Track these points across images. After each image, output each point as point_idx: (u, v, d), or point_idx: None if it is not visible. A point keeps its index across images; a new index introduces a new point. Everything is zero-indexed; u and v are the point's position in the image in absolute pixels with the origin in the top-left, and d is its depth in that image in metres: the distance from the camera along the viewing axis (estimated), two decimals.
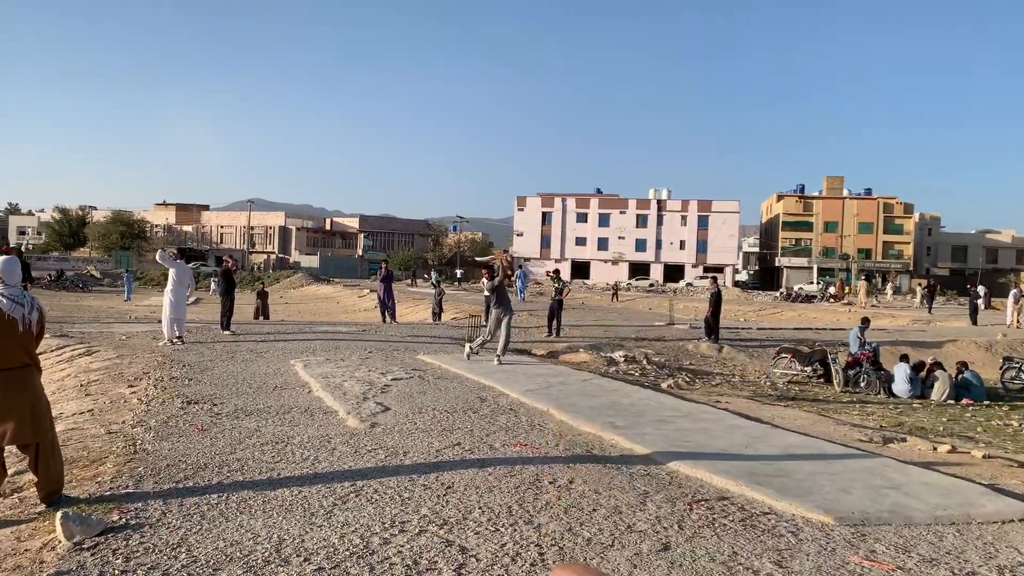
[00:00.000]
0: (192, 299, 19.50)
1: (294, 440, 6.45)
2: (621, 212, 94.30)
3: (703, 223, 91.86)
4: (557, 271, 20.25)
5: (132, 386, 9.20)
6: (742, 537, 4.40)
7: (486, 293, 13.73)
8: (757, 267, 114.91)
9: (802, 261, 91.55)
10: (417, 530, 4.33)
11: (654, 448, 6.51)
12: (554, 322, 19.36)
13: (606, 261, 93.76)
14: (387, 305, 21.24)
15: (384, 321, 21.24)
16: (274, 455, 5.92)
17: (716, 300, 19.83)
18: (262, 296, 27.22)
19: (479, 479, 5.40)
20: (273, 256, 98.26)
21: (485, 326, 13.41)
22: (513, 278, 22.02)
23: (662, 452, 6.37)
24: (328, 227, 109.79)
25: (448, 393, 9.15)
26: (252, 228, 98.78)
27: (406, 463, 5.80)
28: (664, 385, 12.53)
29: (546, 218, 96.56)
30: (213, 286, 59.89)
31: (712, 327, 19.63)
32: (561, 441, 6.77)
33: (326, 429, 6.95)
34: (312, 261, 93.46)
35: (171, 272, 13.44)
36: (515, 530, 4.37)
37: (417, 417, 7.59)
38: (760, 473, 5.74)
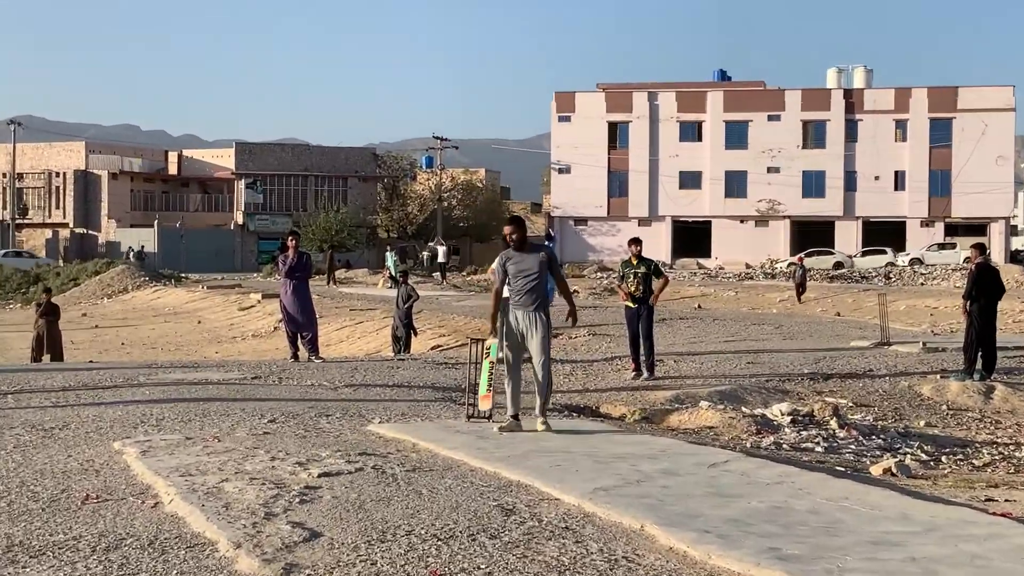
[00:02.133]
0: None
1: None
2: (772, 117, 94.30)
3: (941, 135, 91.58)
4: (636, 241, 20.08)
5: None
6: None
7: (492, 277, 13.71)
8: None
9: None
10: None
11: None
12: (640, 349, 19.38)
13: (743, 219, 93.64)
14: (301, 324, 21.36)
15: (296, 357, 21.39)
16: None
17: (983, 292, 19.72)
18: (47, 312, 27.55)
19: None
20: (66, 232, 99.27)
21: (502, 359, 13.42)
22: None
23: None
24: (174, 170, 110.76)
25: (437, 500, 9.18)
26: (20, 177, 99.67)
27: None
28: (876, 470, 12.51)
29: (616, 134, 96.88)
30: None
31: (974, 348, 19.54)
32: None
33: None
34: (145, 239, 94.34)
35: None
36: None
37: (376, 550, 7.62)
38: None
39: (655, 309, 19.93)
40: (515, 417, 13.01)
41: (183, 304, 58.69)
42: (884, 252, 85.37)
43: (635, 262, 19.54)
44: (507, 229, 13.51)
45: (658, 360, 21.53)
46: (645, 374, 19.15)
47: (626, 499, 9.14)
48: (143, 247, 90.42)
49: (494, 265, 13.80)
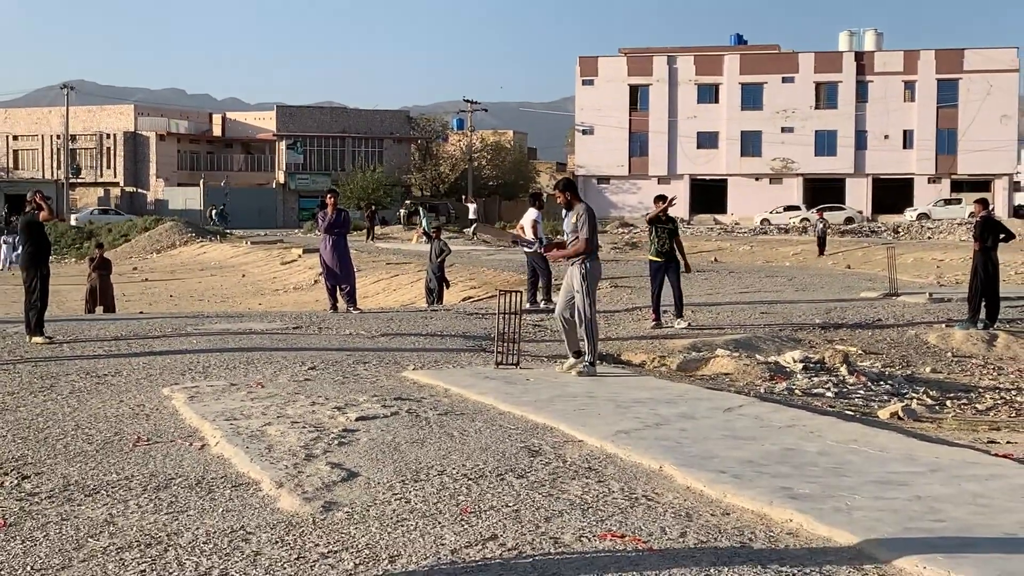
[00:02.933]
0: None
1: (180, 540, 6.55)
2: (786, 80, 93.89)
3: (948, 95, 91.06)
4: (664, 198, 19.98)
5: None
6: None
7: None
8: None
9: None
10: None
11: (869, 534, 6.49)
12: (660, 301, 19.33)
13: (758, 177, 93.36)
14: (339, 278, 21.40)
15: (336, 308, 21.44)
16: (144, 569, 6.02)
17: (986, 244, 19.61)
18: (100, 267, 27.68)
19: None
20: (117, 191, 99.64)
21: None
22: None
23: (885, 541, 6.35)
24: (219, 131, 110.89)
25: (468, 442, 9.24)
26: (73, 138, 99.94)
27: None
28: (884, 414, 12.51)
29: (639, 97, 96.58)
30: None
31: (978, 298, 19.47)
32: (690, 526, 6.80)
33: (239, 516, 7.05)
34: (192, 197, 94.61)
35: None
36: None
37: (410, 489, 7.67)
38: None
39: (678, 261, 19.77)
40: (576, 354, 13.48)
41: (228, 259, 58.89)
42: (899, 211, 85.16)
43: (664, 219, 19.48)
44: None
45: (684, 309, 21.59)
46: (676, 322, 19.12)
47: (646, 441, 9.18)
48: (224, 206, 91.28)
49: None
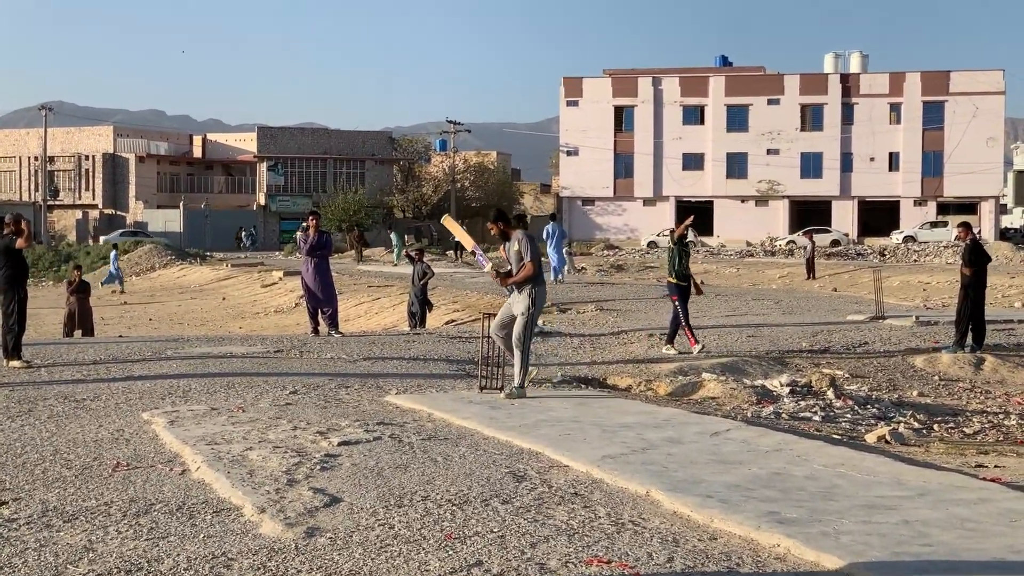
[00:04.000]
0: None
1: (161, 566, 6.54)
2: (771, 101, 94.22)
3: (933, 116, 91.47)
4: (690, 217, 19.68)
5: None
6: None
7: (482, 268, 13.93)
8: None
9: None
10: None
11: (857, 558, 6.51)
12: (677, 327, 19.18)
13: (743, 199, 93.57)
14: (321, 301, 21.39)
15: (317, 332, 21.44)
16: None
17: (974, 267, 19.69)
18: (79, 290, 27.62)
19: None
20: (95, 213, 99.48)
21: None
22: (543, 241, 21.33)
23: (872, 565, 6.37)
24: (199, 153, 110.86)
25: (452, 467, 9.24)
26: (51, 160, 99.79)
27: None
28: (871, 438, 12.54)
29: (624, 119, 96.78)
30: None
31: (965, 321, 19.54)
32: (677, 552, 6.81)
33: (221, 542, 7.04)
34: (171, 220, 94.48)
35: None
36: None
37: (394, 515, 7.67)
38: None
39: (691, 284, 19.61)
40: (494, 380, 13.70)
41: (208, 281, 58.81)
42: (885, 233, 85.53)
43: (686, 240, 19.37)
44: (494, 227, 14.02)
45: (663, 334, 21.62)
46: (671, 348, 19.07)
47: (632, 466, 9.20)
48: (254, 227, 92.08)
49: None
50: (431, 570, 6.45)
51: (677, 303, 19.23)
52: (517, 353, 13.23)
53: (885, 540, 6.98)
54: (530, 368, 13.73)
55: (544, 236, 38.72)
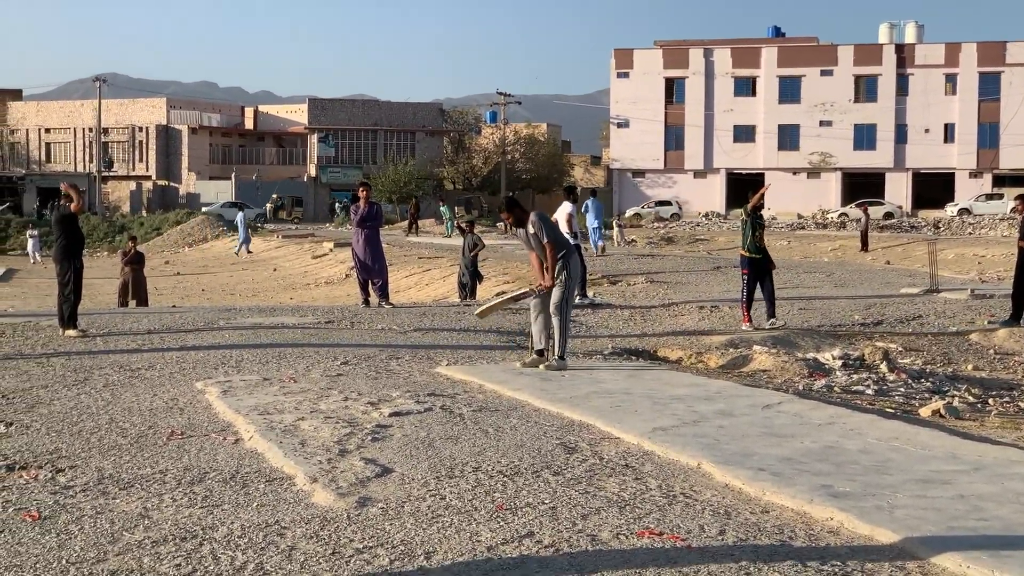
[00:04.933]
0: None
1: (215, 534, 6.59)
2: (824, 72, 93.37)
3: (990, 88, 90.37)
4: (766, 187, 19.08)
5: None
6: None
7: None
8: None
9: None
10: None
11: (911, 532, 6.47)
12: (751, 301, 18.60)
13: (795, 171, 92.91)
14: (372, 271, 21.42)
15: (367, 303, 21.47)
16: (180, 563, 6.07)
17: None
18: (133, 260, 27.84)
19: None
20: (148, 184, 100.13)
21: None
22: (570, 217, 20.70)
23: (927, 539, 6.33)
24: (250, 124, 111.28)
25: (503, 438, 9.25)
26: (106, 131, 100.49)
27: (432, 572, 5.88)
28: (925, 412, 12.44)
29: (674, 90, 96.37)
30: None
31: (1022, 295, 19.32)
32: (729, 524, 6.79)
33: (275, 511, 7.09)
34: (223, 191, 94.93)
35: None
36: None
37: (445, 485, 7.69)
38: None
39: (768, 258, 18.99)
40: (539, 353, 13.45)
41: (259, 253, 59.09)
42: (939, 206, 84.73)
43: (760, 212, 18.93)
44: (506, 215, 13.97)
45: (713, 306, 21.54)
46: (768, 322, 18.28)
47: (683, 438, 9.18)
48: (281, 197, 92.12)
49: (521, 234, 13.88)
50: (482, 540, 6.46)
51: (746, 277, 18.55)
52: (556, 321, 13.19)
53: (940, 515, 6.93)
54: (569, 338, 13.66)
55: (584, 210, 38.39)
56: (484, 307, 13.78)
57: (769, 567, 5.97)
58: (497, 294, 23.80)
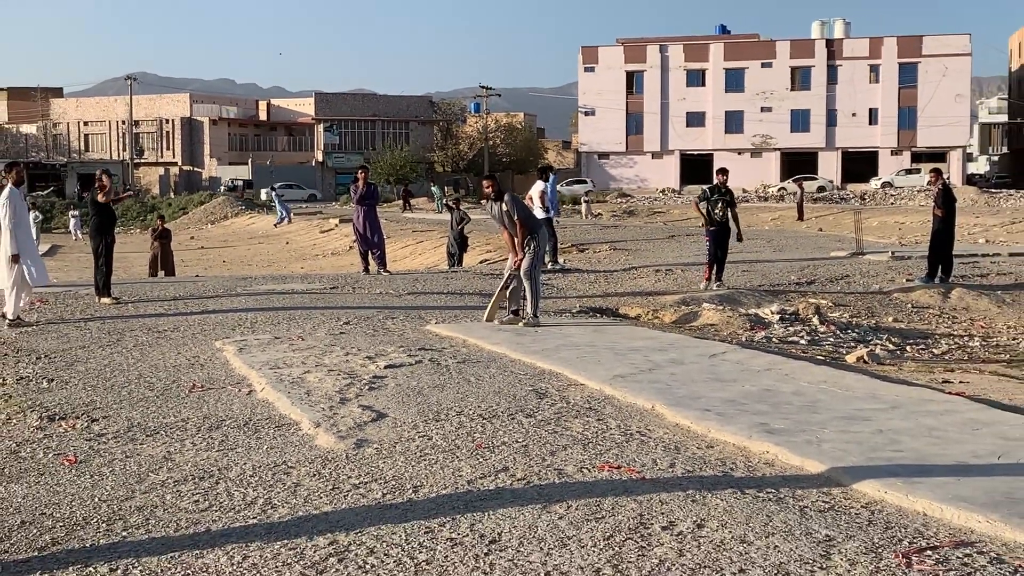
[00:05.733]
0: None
1: (230, 473, 6.58)
2: (764, 65, 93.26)
3: (908, 76, 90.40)
4: (725, 171, 19.07)
5: None
6: None
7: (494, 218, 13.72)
8: (1004, 149, 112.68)
9: None
10: None
11: (836, 463, 6.49)
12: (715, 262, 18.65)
13: (740, 152, 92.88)
14: (371, 243, 21.34)
15: (367, 271, 21.40)
16: (198, 499, 6.05)
17: (944, 208, 19.45)
18: (161, 236, 27.67)
19: (543, 526, 5.45)
20: (175, 170, 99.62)
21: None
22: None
23: (850, 469, 6.35)
24: (264, 116, 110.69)
25: (483, 386, 9.24)
26: (137, 123, 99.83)
27: (419, 503, 5.89)
28: (851, 358, 12.46)
29: (634, 82, 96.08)
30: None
31: (936, 256, 19.34)
32: (678, 458, 6.80)
33: (283, 453, 7.08)
34: (240, 174, 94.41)
35: (3, 206, 13.65)
36: None
37: (432, 428, 7.69)
38: None
39: (727, 230, 18.79)
40: (515, 313, 13.50)
41: (272, 229, 58.86)
42: (865, 180, 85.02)
43: (723, 190, 18.89)
44: (488, 184, 13.85)
45: (668, 270, 21.54)
46: (716, 282, 18.43)
47: (640, 384, 9.18)
48: (236, 181, 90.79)
49: (490, 209, 13.82)
50: (463, 475, 6.46)
51: (708, 243, 18.72)
52: (527, 284, 13.17)
53: (861, 447, 6.95)
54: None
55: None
56: (487, 311, 13.65)
57: (712, 495, 5.98)
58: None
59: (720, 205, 18.48)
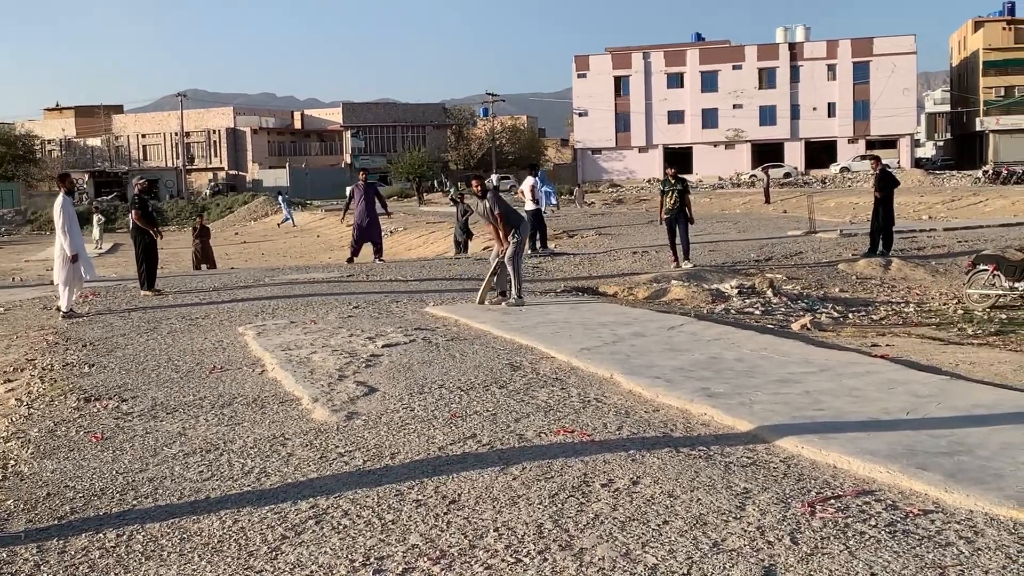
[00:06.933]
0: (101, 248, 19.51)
1: (233, 446, 6.57)
2: (735, 67, 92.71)
3: (861, 74, 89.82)
4: (674, 171, 19.10)
5: (9, 380, 9.47)
6: (887, 551, 4.34)
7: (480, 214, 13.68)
8: (948, 135, 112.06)
9: (1018, 120, 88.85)
10: (400, 569, 4.38)
11: (763, 422, 6.46)
12: (677, 246, 18.43)
13: (715, 144, 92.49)
14: (370, 234, 21.28)
15: (351, 261, 21.56)
16: (202, 470, 6.05)
17: (883, 190, 19.30)
18: (201, 234, 27.63)
19: (498, 486, 5.43)
20: (222, 174, 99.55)
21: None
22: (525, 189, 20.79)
23: (775, 427, 6.32)
24: (298, 125, 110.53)
25: (465, 361, 9.21)
26: (188, 134, 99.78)
27: (394, 469, 5.87)
28: (796, 326, 12.42)
29: (621, 86, 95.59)
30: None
31: (878, 232, 19.21)
32: (626, 422, 6.77)
33: (281, 426, 7.07)
34: (279, 177, 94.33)
35: (59, 211, 13.65)
36: (545, 560, 4.39)
37: (415, 400, 7.67)
38: (925, 450, 5.64)
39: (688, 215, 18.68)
40: (502, 295, 13.42)
41: (307, 224, 58.73)
42: (826, 166, 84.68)
43: (672, 182, 18.75)
44: (476, 184, 13.83)
45: (644, 251, 21.45)
46: (683, 263, 18.20)
47: (603, 356, 9.13)
48: (280, 193, 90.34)
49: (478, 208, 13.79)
50: (436, 442, 6.44)
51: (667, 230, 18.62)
52: (510, 269, 13.12)
53: (787, 407, 6.91)
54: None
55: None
56: (479, 294, 13.57)
57: (651, 453, 5.95)
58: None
59: (672, 195, 18.40)
